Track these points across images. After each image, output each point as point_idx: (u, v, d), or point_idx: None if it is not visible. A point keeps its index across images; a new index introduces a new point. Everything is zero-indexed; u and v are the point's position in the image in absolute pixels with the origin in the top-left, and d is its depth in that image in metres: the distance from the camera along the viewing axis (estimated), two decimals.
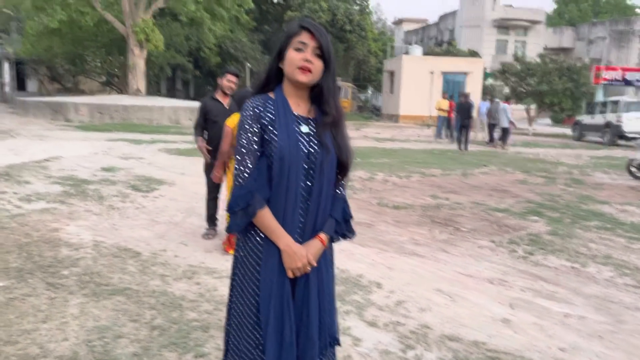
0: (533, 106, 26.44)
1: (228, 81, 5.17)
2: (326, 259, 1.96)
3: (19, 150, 11.03)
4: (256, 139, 1.83)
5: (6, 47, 35.25)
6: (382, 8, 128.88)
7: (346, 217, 2.04)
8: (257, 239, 1.86)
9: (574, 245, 5.62)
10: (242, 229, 1.85)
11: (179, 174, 9.05)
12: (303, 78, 1.84)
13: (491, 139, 18.35)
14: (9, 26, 37.89)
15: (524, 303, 3.97)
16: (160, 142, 14.03)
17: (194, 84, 41.38)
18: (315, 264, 1.85)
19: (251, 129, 1.84)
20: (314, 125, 1.89)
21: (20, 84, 37.70)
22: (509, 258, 5.10)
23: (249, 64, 33.67)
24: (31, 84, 38.45)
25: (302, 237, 1.87)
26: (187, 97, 38.43)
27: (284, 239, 1.82)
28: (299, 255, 1.81)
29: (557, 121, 36.81)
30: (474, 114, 17.17)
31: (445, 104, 20.41)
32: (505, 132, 17.30)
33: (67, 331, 3.08)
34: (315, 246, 1.87)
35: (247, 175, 1.81)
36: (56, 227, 5.34)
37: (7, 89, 35.91)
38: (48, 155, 10.33)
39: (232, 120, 4.56)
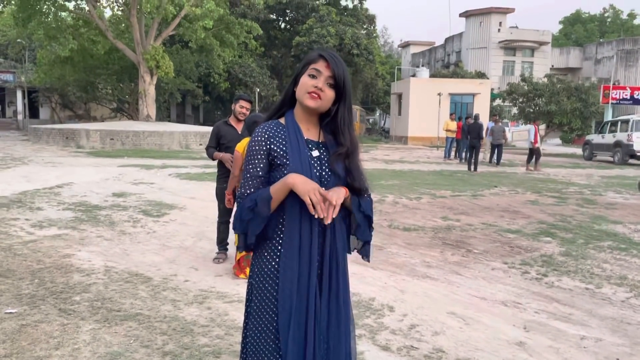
0: (542, 126, 26.39)
1: (240, 107, 5.22)
2: (345, 283, 1.95)
3: (31, 177, 11.16)
4: (262, 165, 1.86)
5: (20, 76, 35.96)
6: (389, 32, 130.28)
7: (371, 219, 2.00)
8: (273, 263, 1.85)
9: (588, 266, 5.55)
10: (253, 245, 1.85)
11: (190, 199, 9.10)
12: (311, 103, 1.86)
13: (490, 159, 18.53)
14: (23, 56, 38.72)
15: (538, 325, 3.91)
16: (170, 167, 14.14)
17: (203, 109, 41.85)
18: (334, 203, 1.75)
19: (258, 154, 1.87)
20: (325, 149, 1.92)
21: (33, 111, 38.36)
22: (522, 280, 5.04)
23: (257, 89, 34.03)
24: (44, 112, 39.09)
25: (322, 258, 1.87)
26: (197, 122, 38.86)
27: (287, 179, 1.78)
28: (308, 181, 1.77)
29: (566, 141, 36.72)
30: (483, 134, 17.23)
31: (452, 125, 20.49)
32: (533, 154, 16.80)
33: (80, 358, 3.07)
34: (337, 190, 1.82)
35: (239, 199, 1.87)
36: (68, 253, 5.36)
37: (20, 117, 36.52)
38: (60, 182, 10.44)
39: (242, 145, 4.60)
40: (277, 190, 1.80)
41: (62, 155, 17.40)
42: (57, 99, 37.49)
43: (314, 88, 1.85)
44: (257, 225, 1.82)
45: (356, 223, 1.95)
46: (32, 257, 5.11)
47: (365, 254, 2.05)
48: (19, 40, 35.46)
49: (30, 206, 7.79)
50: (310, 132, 1.94)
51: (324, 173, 1.87)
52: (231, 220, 5.34)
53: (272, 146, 1.87)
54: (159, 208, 8.05)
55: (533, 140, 16.80)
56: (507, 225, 7.58)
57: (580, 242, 6.63)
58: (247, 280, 2.01)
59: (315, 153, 1.89)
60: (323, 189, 1.79)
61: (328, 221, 1.77)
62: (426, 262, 5.54)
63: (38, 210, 7.51)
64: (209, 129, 26.01)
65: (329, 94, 1.88)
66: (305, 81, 1.87)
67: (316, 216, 1.76)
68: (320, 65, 1.87)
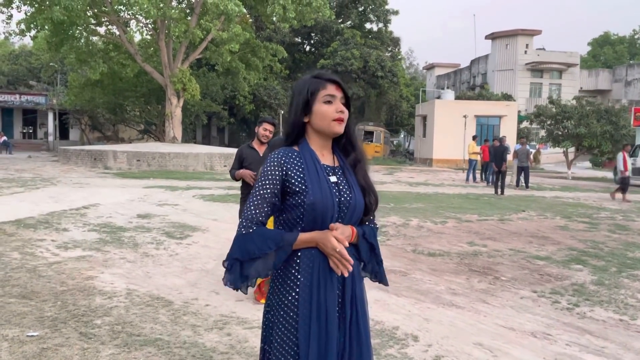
0: (571, 149, 25.91)
1: (264, 129, 5.23)
2: (365, 310, 1.90)
3: (59, 197, 11.36)
4: (275, 191, 1.82)
5: (51, 99, 37.03)
6: (414, 54, 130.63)
7: (378, 251, 2.02)
8: (293, 294, 1.80)
9: (622, 296, 5.32)
10: (246, 281, 1.82)
11: (212, 220, 9.11)
12: (340, 129, 1.89)
13: (517, 183, 18.11)
14: (55, 79, 39.90)
15: (570, 359, 3.74)
16: (195, 189, 14.25)
17: (228, 131, 42.39)
18: (346, 243, 1.80)
19: (273, 179, 1.83)
20: (341, 172, 1.93)
21: (64, 133, 39.37)
22: (553, 310, 4.86)
23: (282, 111, 34.34)
24: (73, 133, 40.08)
25: (343, 287, 1.84)
26: (222, 143, 39.31)
27: (315, 237, 1.79)
28: (327, 237, 1.77)
29: (596, 164, 35.97)
30: (509, 157, 16.96)
31: (475, 147, 20.27)
32: (624, 182, 15.27)
33: None
34: (344, 228, 1.83)
35: (249, 223, 1.80)
36: (91, 275, 5.38)
37: (50, 138, 37.49)
38: (87, 203, 10.59)
39: None
40: (298, 245, 1.80)
41: (89, 176, 17.73)
42: (87, 121, 38.43)
43: (338, 114, 1.87)
44: (264, 270, 1.80)
45: (365, 255, 1.96)
46: (56, 279, 5.14)
47: (380, 278, 2.05)
48: (51, 63, 36.63)
49: (56, 227, 7.90)
50: (325, 157, 1.94)
51: (342, 199, 1.86)
52: None
53: (288, 172, 1.83)
54: (182, 230, 8.08)
55: (623, 168, 15.16)
56: (536, 251, 7.37)
57: (613, 270, 6.39)
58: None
59: (333, 179, 1.89)
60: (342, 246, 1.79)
61: (346, 274, 1.81)
62: (452, 290, 5.39)
63: (64, 231, 7.60)
64: (234, 150, 26.28)
65: (347, 113, 1.91)
66: (325, 110, 1.88)
67: (339, 273, 1.80)
68: (332, 90, 1.89)
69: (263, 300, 4.68)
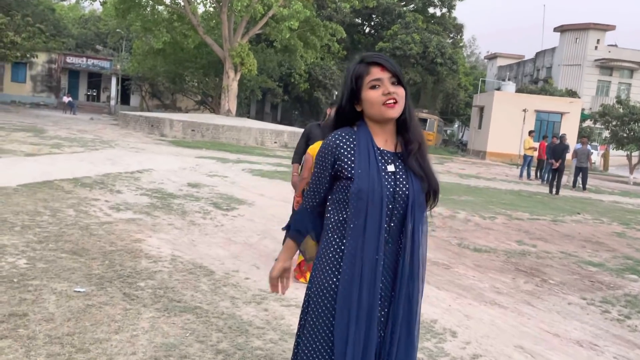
0: (635, 153, 24.61)
1: None
2: (412, 309, 1.81)
3: (116, 160, 11.75)
4: (325, 181, 1.84)
5: (116, 64, 38.25)
6: (477, 42, 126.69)
7: None
8: (334, 280, 1.76)
9: None
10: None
11: (259, 195, 9.20)
12: (393, 113, 1.77)
13: (574, 183, 17.36)
14: (120, 45, 41.12)
15: None
16: (244, 163, 14.44)
17: (281, 108, 42.61)
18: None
19: (324, 166, 1.81)
20: (401, 161, 1.80)
21: (125, 98, 40.65)
22: (602, 319, 4.64)
23: (336, 92, 34.17)
24: (134, 99, 41.33)
25: (394, 281, 1.75)
26: (275, 120, 39.61)
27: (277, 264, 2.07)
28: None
29: None
30: (569, 156, 16.26)
31: (532, 143, 19.52)
32: None
33: (137, 345, 3.12)
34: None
35: (305, 202, 1.95)
36: (139, 237, 5.54)
37: (112, 102, 38.80)
38: (141, 167, 10.91)
39: (314, 148, 4.56)
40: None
41: (146, 141, 18.25)
42: (147, 88, 39.51)
43: (387, 96, 1.75)
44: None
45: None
46: (106, 239, 5.32)
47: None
48: (117, 30, 37.74)
49: (110, 188, 8.17)
50: (388, 143, 1.83)
51: (398, 189, 1.74)
52: None
53: (339, 155, 1.77)
54: (229, 202, 8.19)
55: None
56: (588, 257, 7.06)
57: None
58: (305, 285, 1.96)
59: (391, 168, 1.78)
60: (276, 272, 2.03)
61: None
62: (496, 288, 5.24)
63: (117, 193, 7.86)
64: (285, 127, 26.45)
65: (401, 92, 1.78)
66: (371, 96, 1.77)
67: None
68: (376, 73, 1.77)
69: (302, 280, 4.70)
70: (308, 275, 4.74)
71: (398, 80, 1.77)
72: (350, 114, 1.84)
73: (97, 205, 6.90)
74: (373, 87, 1.76)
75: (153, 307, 3.70)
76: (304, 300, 1.89)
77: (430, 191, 1.84)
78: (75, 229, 5.53)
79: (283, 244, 2.08)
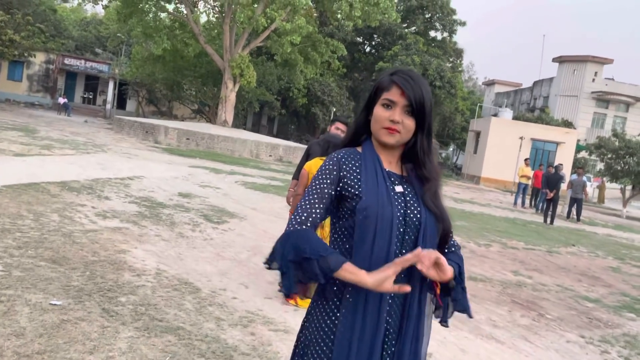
0: (628, 187, 24.63)
1: (336, 128, 5.05)
2: (418, 347, 1.62)
3: (106, 165, 11.51)
4: (330, 190, 1.59)
5: (114, 68, 38.11)
6: (475, 68, 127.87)
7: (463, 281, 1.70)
8: (333, 318, 1.56)
9: None
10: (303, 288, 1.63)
11: (251, 209, 8.99)
12: (389, 140, 1.60)
13: (568, 214, 17.29)
14: (120, 49, 41.03)
15: None
16: (238, 174, 14.23)
17: (278, 122, 42.54)
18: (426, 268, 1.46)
19: (328, 175, 1.61)
20: (409, 184, 1.63)
21: (121, 103, 40.43)
22: None
23: (334, 108, 34.17)
24: (130, 104, 41.11)
25: (402, 317, 1.56)
26: (271, 133, 39.50)
27: (362, 279, 1.46)
28: (379, 278, 1.44)
29: None
30: (564, 187, 16.18)
31: (527, 171, 19.47)
32: None
33: None
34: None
35: (302, 218, 1.55)
36: (124, 248, 5.31)
37: (108, 106, 38.56)
38: (132, 174, 10.67)
39: (310, 164, 4.42)
40: (345, 276, 1.47)
41: (139, 147, 18.01)
42: (144, 94, 39.31)
43: (389, 123, 1.58)
44: (313, 275, 1.48)
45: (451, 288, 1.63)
46: (89, 248, 5.08)
47: (464, 306, 1.71)
48: (118, 34, 37.64)
49: (99, 194, 7.94)
50: (392, 165, 1.66)
51: (409, 212, 1.56)
52: None
53: (345, 173, 1.60)
54: (220, 215, 7.98)
55: None
56: (585, 291, 6.89)
57: None
58: (294, 309, 1.74)
59: (399, 188, 1.60)
60: (398, 263, 1.46)
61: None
62: (492, 321, 5.04)
63: (105, 200, 7.62)
64: (281, 141, 26.31)
65: (409, 125, 1.59)
66: (379, 114, 1.60)
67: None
68: (394, 94, 1.59)
69: (292, 302, 4.49)
70: (298, 298, 4.54)
71: (413, 110, 1.59)
72: (363, 122, 1.68)
73: (83, 211, 6.66)
74: (385, 105, 1.61)
75: (133, 326, 3.48)
76: (301, 330, 1.68)
77: (443, 233, 1.64)
78: (57, 236, 5.29)
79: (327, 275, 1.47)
